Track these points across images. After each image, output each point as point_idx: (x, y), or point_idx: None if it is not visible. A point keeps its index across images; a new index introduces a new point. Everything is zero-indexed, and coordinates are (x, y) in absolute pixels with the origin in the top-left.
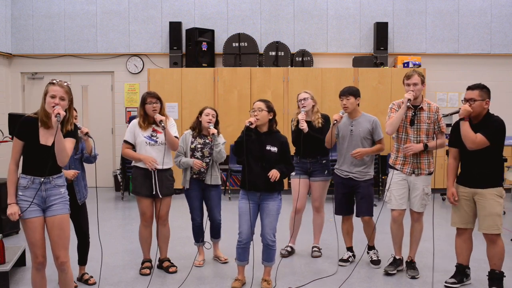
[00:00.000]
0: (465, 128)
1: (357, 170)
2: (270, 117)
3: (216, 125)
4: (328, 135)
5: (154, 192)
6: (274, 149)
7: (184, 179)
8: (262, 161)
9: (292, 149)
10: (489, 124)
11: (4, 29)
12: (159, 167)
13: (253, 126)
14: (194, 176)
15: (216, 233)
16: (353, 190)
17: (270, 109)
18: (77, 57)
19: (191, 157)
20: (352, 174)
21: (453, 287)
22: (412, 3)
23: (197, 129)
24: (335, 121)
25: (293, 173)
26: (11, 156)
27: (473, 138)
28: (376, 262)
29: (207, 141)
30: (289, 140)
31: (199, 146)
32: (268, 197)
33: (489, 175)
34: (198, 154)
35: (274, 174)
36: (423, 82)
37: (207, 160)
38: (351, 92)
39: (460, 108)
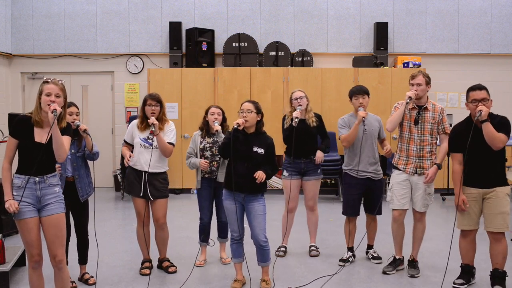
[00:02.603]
0: (491, 130)
1: (373, 169)
2: (258, 119)
3: (224, 122)
4: (353, 133)
5: (141, 194)
6: (261, 150)
7: (196, 180)
8: (248, 162)
9: (284, 148)
10: (501, 123)
11: (4, 29)
12: (151, 170)
13: (240, 128)
14: (206, 175)
15: (223, 233)
16: (367, 190)
17: (259, 110)
18: (77, 57)
19: (201, 157)
20: (369, 174)
21: (462, 287)
22: (412, 3)
23: (205, 129)
24: (364, 118)
25: (286, 173)
26: (5, 154)
27: (501, 138)
28: (377, 258)
29: (216, 139)
30: (280, 138)
31: (208, 145)
32: (252, 198)
33: (500, 173)
34: (208, 153)
35: (260, 175)
36: (428, 83)
37: (217, 159)
38: (366, 91)
39: (481, 111)
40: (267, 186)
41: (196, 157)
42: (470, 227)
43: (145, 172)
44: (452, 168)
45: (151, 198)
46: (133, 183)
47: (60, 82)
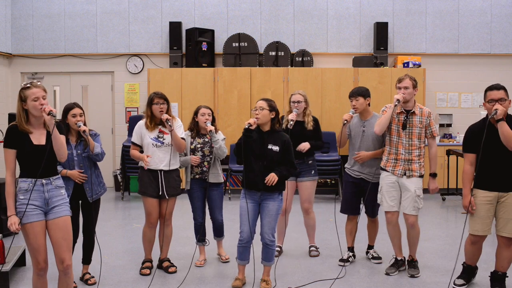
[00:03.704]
0: (507, 129)
1: (369, 171)
2: (272, 116)
3: (213, 122)
4: (339, 135)
5: (160, 193)
6: (275, 148)
7: (186, 181)
8: (264, 160)
9: None
10: None
11: (4, 29)
12: (166, 168)
13: (252, 128)
14: (197, 176)
15: (218, 233)
16: (363, 191)
17: (272, 108)
18: (77, 57)
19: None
20: (363, 175)
21: None
22: (412, 3)
23: (195, 129)
24: (345, 121)
25: None
26: (6, 167)
27: None
28: (377, 258)
29: (207, 139)
30: None
31: (199, 145)
32: (268, 197)
33: None
34: (199, 154)
35: (270, 178)
36: (415, 86)
37: (208, 159)
38: (360, 92)
39: (497, 110)
40: (285, 185)
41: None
42: (483, 232)
43: (161, 171)
44: (463, 168)
45: (167, 197)
46: (149, 184)
47: (39, 83)
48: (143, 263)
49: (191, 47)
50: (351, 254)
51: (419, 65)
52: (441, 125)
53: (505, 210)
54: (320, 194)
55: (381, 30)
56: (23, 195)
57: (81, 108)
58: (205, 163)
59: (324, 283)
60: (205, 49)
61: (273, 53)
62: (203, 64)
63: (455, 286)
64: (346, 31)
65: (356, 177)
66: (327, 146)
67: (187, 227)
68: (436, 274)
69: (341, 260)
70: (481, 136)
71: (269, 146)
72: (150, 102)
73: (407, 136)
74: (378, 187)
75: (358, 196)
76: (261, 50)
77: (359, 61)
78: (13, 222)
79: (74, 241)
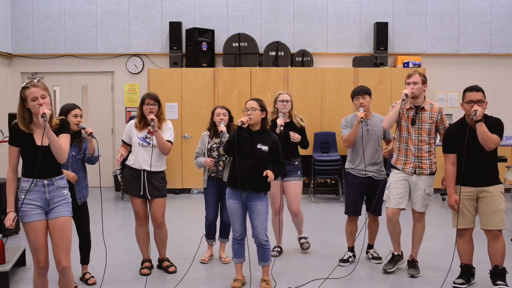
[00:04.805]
0: (484, 130)
1: (375, 169)
2: (263, 116)
3: (231, 121)
4: (353, 134)
5: (141, 193)
6: (265, 148)
7: (203, 179)
8: (252, 160)
9: None
10: (495, 124)
11: (4, 29)
12: (149, 168)
13: (245, 126)
14: (213, 174)
15: (225, 233)
16: (370, 189)
17: (263, 108)
18: (77, 57)
19: (208, 157)
20: (371, 173)
21: (462, 287)
22: (412, 3)
23: (212, 129)
24: (362, 119)
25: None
26: (9, 164)
27: (494, 139)
28: (378, 258)
29: (223, 139)
30: None
31: (215, 145)
32: (255, 197)
33: (494, 172)
34: (215, 154)
35: (270, 175)
36: (424, 82)
37: (224, 159)
38: (366, 90)
39: (476, 111)
40: (270, 185)
41: (204, 157)
42: (466, 225)
43: (144, 171)
44: (445, 168)
45: (149, 198)
46: (132, 183)
47: (38, 80)
48: (142, 263)
49: (191, 47)
50: (351, 254)
51: (419, 65)
52: None
53: (486, 205)
54: (320, 194)
55: (381, 30)
56: (24, 195)
57: (80, 109)
58: (220, 163)
59: (324, 283)
60: (205, 49)
61: (273, 53)
62: (203, 64)
63: (454, 285)
64: (346, 31)
65: (364, 176)
66: (327, 146)
67: (187, 227)
68: (436, 274)
69: (341, 260)
70: (459, 136)
71: (258, 146)
72: (142, 102)
73: (416, 131)
74: (386, 184)
75: (363, 196)
76: (261, 50)
77: (359, 61)
78: (8, 218)
79: None
